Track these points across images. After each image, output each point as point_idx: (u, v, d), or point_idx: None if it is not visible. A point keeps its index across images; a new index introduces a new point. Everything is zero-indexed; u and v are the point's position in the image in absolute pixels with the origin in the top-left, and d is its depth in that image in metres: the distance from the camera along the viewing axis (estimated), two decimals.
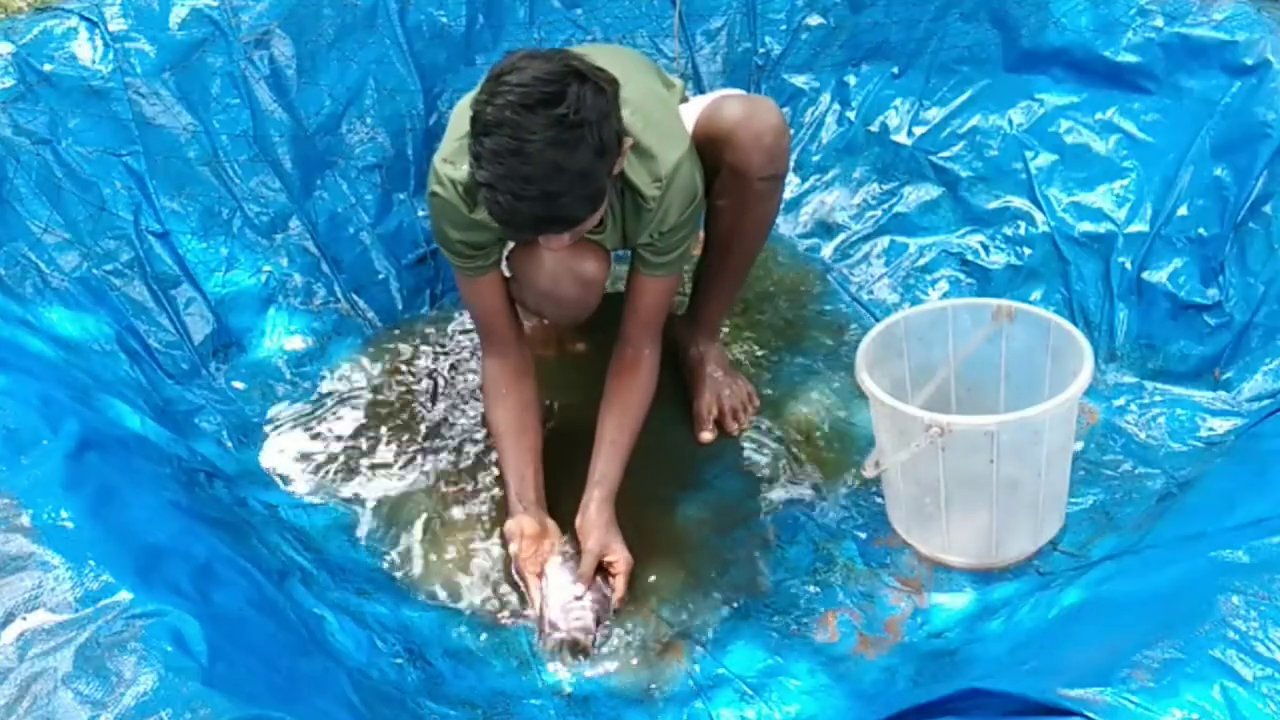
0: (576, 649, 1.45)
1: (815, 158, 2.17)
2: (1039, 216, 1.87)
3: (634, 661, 1.46)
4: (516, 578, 1.55)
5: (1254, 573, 1.04)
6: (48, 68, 1.82)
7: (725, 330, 1.92)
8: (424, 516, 1.67)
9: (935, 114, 2.04)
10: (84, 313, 1.71)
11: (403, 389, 1.90)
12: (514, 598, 1.54)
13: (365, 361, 1.95)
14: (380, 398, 1.88)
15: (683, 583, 1.56)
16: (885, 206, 2.06)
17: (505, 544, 1.57)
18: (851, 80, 2.15)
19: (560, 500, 1.60)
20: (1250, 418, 1.57)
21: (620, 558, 1.52)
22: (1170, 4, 1.79)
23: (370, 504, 1.69)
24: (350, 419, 1.84)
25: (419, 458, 1.77)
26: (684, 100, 1.70)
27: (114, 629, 1.01)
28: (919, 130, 2.04)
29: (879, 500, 1.61)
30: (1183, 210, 1.72)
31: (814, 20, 2.19)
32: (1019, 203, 1.90)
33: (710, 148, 1.57)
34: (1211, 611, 0.99)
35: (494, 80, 1.29)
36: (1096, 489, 1.58)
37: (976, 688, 1.05)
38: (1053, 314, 1.52)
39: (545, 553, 1.53)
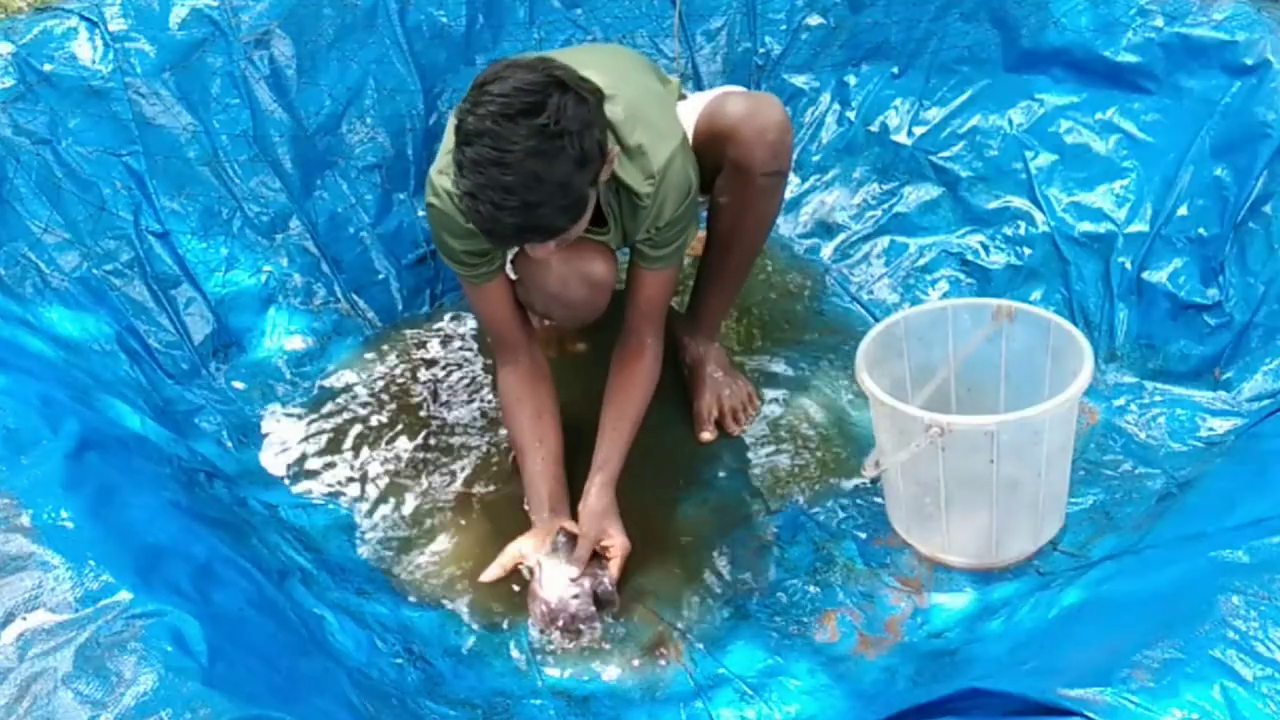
0: (570, 626, 1.46)
1: (815, 158, 2.17)
2: (1039, 216, 1.87)
3: (634, 661, 1.46)
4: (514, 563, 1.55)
5: (1254, 573, 1.04)
6: (48, 68, 1.82)
7: (725, 330, 1.92)
8: (424, 516, 1.67)
9: (935, 114, 2.04)
10: (84, 313, 1.71)
11: (403, 389, 1.90)
12: (514, 598, 1.54)
13: (365, 361, 1.95)
14: (380, 398, 1.88)
15: (683, 583, 1.56)
16: (885, 206, 2.06)
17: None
18: (851, 80, 2.15)
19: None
20: (1250, 418, 1.57)
21: (616, 542, 1.53)
22: (1170, 4, 1.79)
23: (370, 504, 1.69)
24: (350, 419, 1.84)
25: (419, 457, 1.77)
26: (681, 98, 1.70)
27: (114, 629, 1.01)
28: (919, 130, 2.04)
29: (879, 500, 1.61)
30: (1183, 210, 1.72)
31: (814, 20, 2.19)
32: (1019, 203, 1.90)
33: (713, 144, 1.57)
34: (1211, 611, 0.99)
35: (477, 90, 1.29)
36: (1096, 489, 1.58)
37: (976, 688, 1.05)
38: (1053, 314, 1.52)
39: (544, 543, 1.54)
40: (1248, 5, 1.73)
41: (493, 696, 1.39)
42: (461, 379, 1.91)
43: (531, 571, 1.52)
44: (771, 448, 1.75)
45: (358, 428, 1.82)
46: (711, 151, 1.57)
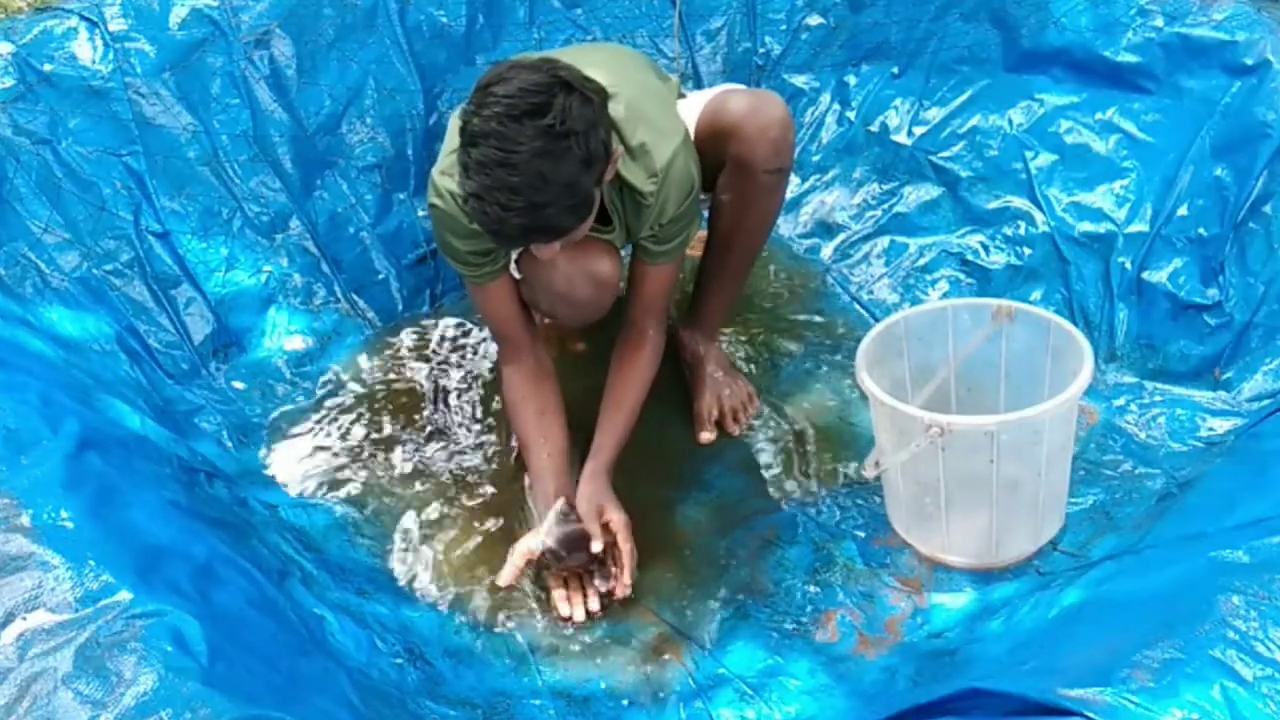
0: (567, 552, 1.49)
1: (815, 158, 2.17)
2: (1039, 216, 1.87)
3: (634, 661, 1.46)
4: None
5: (1254, 573, 1.04)
6: (48, 68, 1.82)
7: (725, 330, 1.92)
8: (424, 516, 1.67)
9: (935, 114, 2.04)
10: (84, 313, 1.71)
11: (403, 389, 1.90)
12: (514, 598, 1.54)
13: (365, 361, 1.95)
14: (380, 397, 1.88)
15: (683, 583, 1.56)
16: (885, 206, 2.06)
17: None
18: (851, 80, 2.15)
19: None
20: (1250, 418, 1.57)
21: (614, 516, 1.53)
22: (1170, 4, 1.79)
23: (370, 504, 1.69)
24: (350, 419, 1.84)
25: (419, 457, 1.77)
26: (681, 96, 1.70)
27: (114, 629, 1.01)
28: (919, 130, 2.04)
29: (879, 500, 1.61)
30: (1183, 210, 1.72)
31: (814, 20, 2.19)
32: (1019, 203, 1.90)
33: (715, 141, 1.57)
34: (1211, 611, 0.99)
35: (481, 91, 1.29)
36: (1096, 489, 1.58)
37: (976, 688, 1.05)
38: (1053, 314, 1.52)
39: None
40: (1248, 5, 1.73)
41: (493, 696, 1.39)
42: (462, 379, 1.91)
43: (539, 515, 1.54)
44: (771, 447, 1.75)
45: (358, 428, 1.82)
46: (713, 149, 1.58)
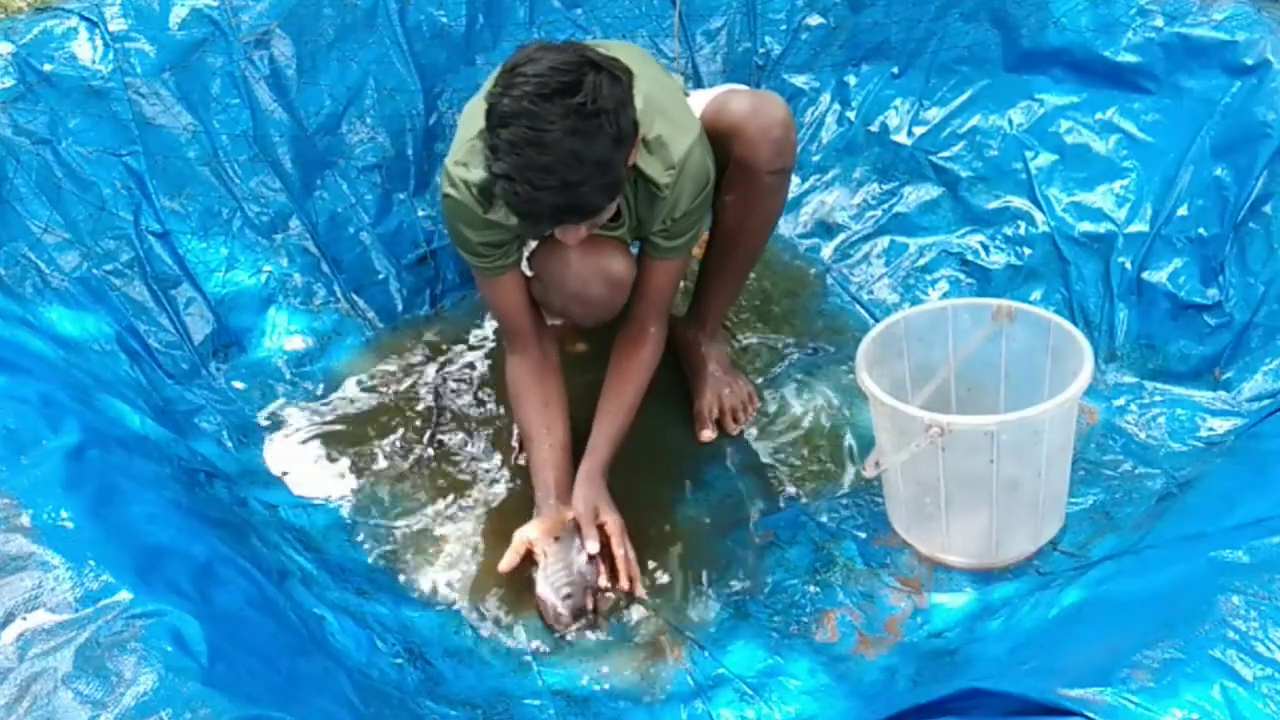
0: (570, 617, 1.48)
1: (815, 158, 2.17)
2: (1039, 216, 1.87)
3: (634, 661, 1.46)
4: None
5: (1254, 573, 1.04)
6: (48, 68, 1.82)
7: (725, 330, 1.92)
8: (424, 516, 1.67)
9: (935, 114, 2.04)
10: (84, 313, 1.71)
11: (403, 389, 1.90)
12: (514, 597, 1.54)
13: (365, 361, 1.95)
14: (380, 397, 1.88)
15: (682, 583, 1.56)
16: (885, 206, 2.06)
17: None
18: (851, 80, 2.15)
19: None
20: (1250, 418, 1.57)
21: (609, 519, 1.54)
22: (1170, 4, 1.79)
23: (371, 504, 1.69)
24: (350, 419, 1.84)
25: (419, 457, 1.77)
26: (684, 95, 1.70)
27: (114, 629, 1.01)
28: (919, 130, 2.04)
29: (879, 500, 1.61)
30: (1183, 210, 1.72)
31: (814, 20, 2.19)
32: (1019, 203, 1.90)
33: (718, 142, 1.57)
34: (1211, 611, 0.99)
35: (509, 72, 1.28)
36: (1096, 489, 1.58)
37: (976, 688, 1.05)
38: (1053, 314, 1.52)
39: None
40: (1248, 5, 1.73)
41: (493, 696, 1.39)
42: (462, 379, 1.91)
43: (545, 552, 1.53)
44: (771, 447, 1.75)
45: (358, 428, 1.82)
46: (716, 150, 1.58)
